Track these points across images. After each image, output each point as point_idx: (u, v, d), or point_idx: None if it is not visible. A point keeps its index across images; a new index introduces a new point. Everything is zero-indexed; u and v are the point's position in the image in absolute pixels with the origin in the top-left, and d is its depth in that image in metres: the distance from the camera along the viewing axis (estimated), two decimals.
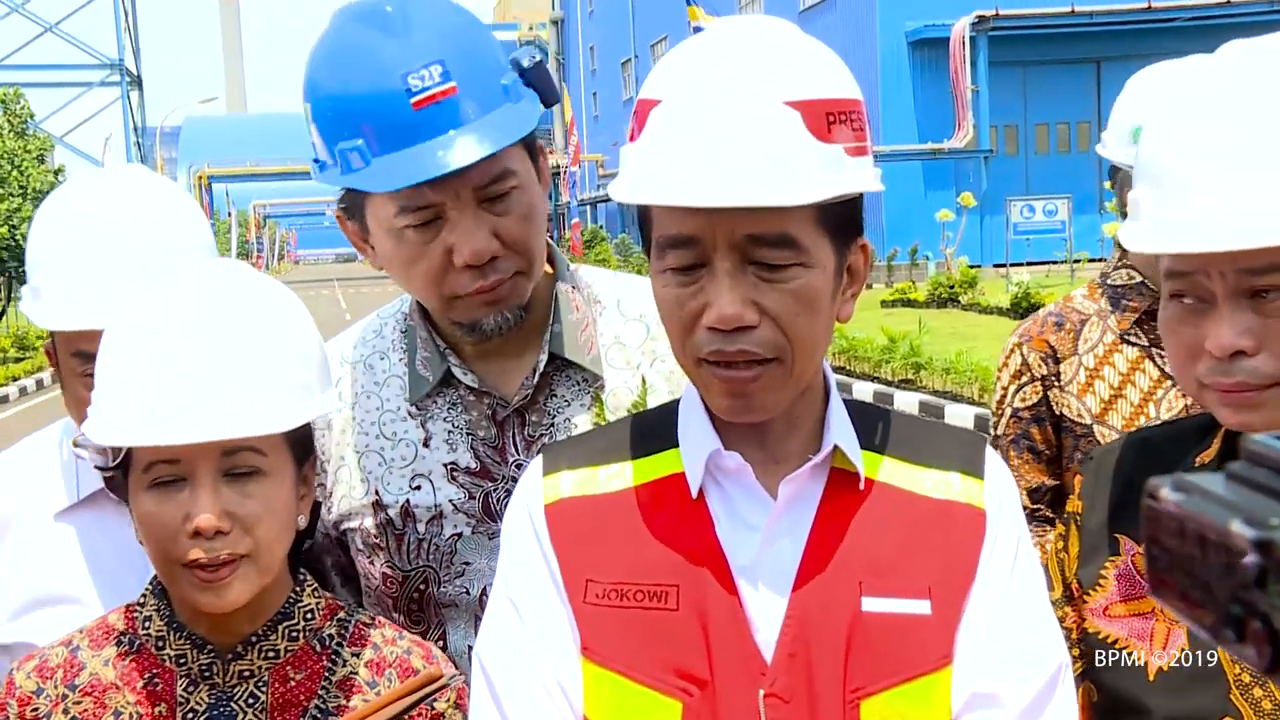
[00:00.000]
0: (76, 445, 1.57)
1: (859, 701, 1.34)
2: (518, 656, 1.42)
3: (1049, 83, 33.77)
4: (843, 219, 1.35)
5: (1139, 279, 2.60)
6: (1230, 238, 1.32)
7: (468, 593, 1.88)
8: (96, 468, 1.58)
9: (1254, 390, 1.38)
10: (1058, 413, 2.60)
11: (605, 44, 62.63)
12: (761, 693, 1.34)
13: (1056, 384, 2.60)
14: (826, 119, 1.29)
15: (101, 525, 1.95)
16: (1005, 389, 2.67)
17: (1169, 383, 2.54)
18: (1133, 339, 2.59)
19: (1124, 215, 2.56)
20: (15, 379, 21.60)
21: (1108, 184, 2.80)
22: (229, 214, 62.23)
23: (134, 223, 1.89)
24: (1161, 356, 2.54)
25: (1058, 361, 2.61)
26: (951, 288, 21.79)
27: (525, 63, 1.82)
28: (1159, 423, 2.52)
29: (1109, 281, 2.66)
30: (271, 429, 1.52)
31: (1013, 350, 2.67)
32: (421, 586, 1.90)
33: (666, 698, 1.34)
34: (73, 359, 1.87)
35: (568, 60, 66.70)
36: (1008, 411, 2.66)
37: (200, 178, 58.33)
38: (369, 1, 1.74)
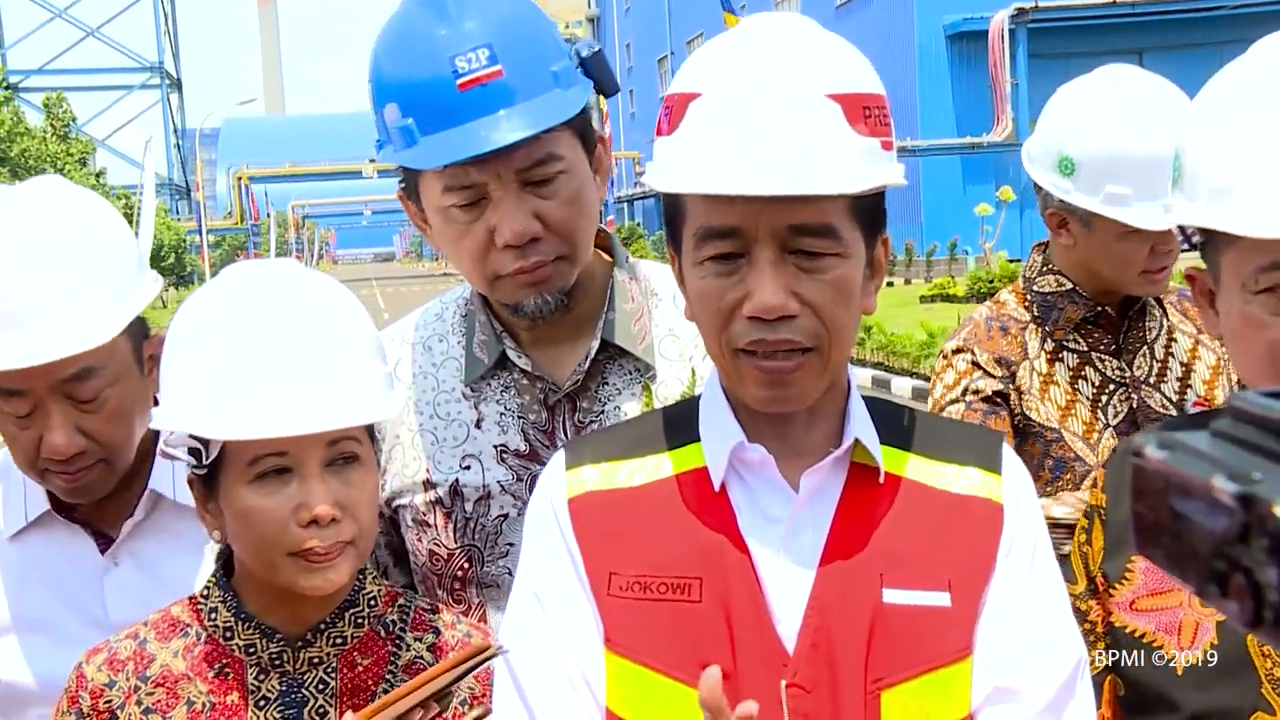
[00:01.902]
0: (166, 446, 1.59)
1: (880, 692, 1.34)
2: (541, 648, 1.43)
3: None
4: (872, 212, 1.38)
5: (1069, 285, 2.53)
6: None
7: (510, 573, 1.90)
8: (190, 466, 1.59)
9: None
10: (1021, 415, 2.50)
11: (641, 41, 62.68)
12: (783, 683, 1.34)
13: (1014, 386, 2.50)
14: (864, 112, 1.32)
15: (55, 546, 1.93)
16: (952, 386, 2.54)
17: (1112, 386, 2.50)
18: (1071, 345, 2.52)
19: (1058, 227, 2.53)
20: None
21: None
22: (268, 214, 62.70)
23: (36, 251, 1.75)
24: (1102, 360, 2.50)
25: (1009, 365, 2.51)
26: (991, 282, 21.64)
27: (584, 52, 1.86)
28: (1186, 414, 2.49)
29: (1035, 289, 2.58)
30: (374, 417, 1.58)
31: (957, 351, 2.56)
32: (465, 565, 1.94)
33: (689, 689, 1.34)
34: None
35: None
36: (958, 396, 2.51)
37: (239, 178, 58.84)
38: None
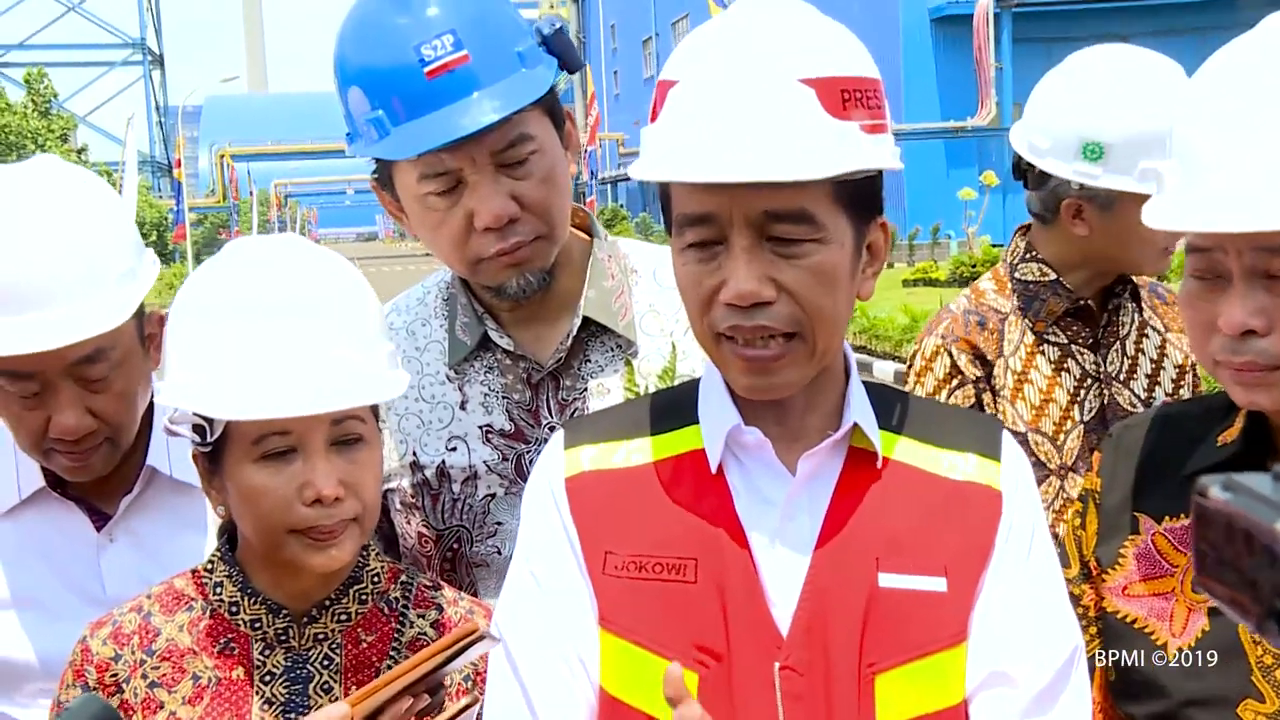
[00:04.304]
0: (171, 423, 1.59)
1: (874, 676, 1.35)
2: (536, 626, 1.44)
3: None
4: (861, 196, 1.36)
5: (1052, 275, 2.49)
6: (1248, 219, 1.31)
7: (499, 553, 1.93)
8: (194, 443, 1.58)
9: (1262, 370, 1.38)
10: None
11: (626, 22, 62.53)
12: (777, 665, 1.35)
13: (989, 387, 2.47)
14: (841, 96, 1.30)
15: (50, 523, 1.94)
16: (929, 395, 2.47)
17: (1089, 380, 2.48)
18: (1051, 337, 2.49)
19: (1041, 220, 2.50)
20: None
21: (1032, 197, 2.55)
22: (250, 193, 62.41)
23: (49, 233, 1.74)
24: (1080, 353, 2.48)
25: (987, 364, 2.47)
26: (974, 267, 21.70)
27: (545, 30, 1.86)
28: (1184, 399, 2.49)
29: (1018, 276, 2.54)
30: (379, 397, 1.58)
31: (936, 352, 2.49)
32: (455, 546, 1.95)
33: (684, 669, 1.35)
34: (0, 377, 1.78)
35: (588, 38, 66.54)
36: None
37: (222, 156, 58.56)
38: None
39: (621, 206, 52.16)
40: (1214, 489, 0.65)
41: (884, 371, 13.64)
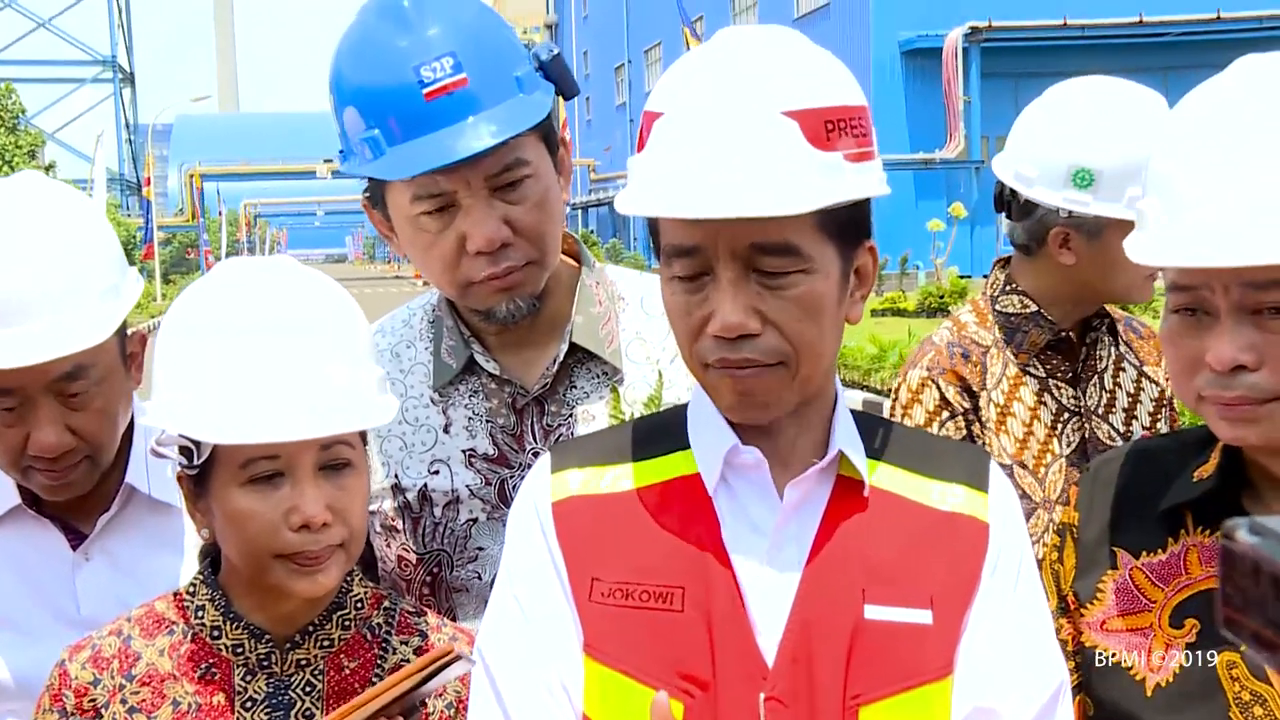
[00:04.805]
0: (158, 444, 1.58)
1: (858, 708, 1.35)
2: (520, 652, 1.43)
3: (1040, 94, 33.83)
4: (847, 223, 1.37)
5: (1034, 308, 2.49)
6: (1235, 254, 1.32)
7: (479, 578, 1.92)
8: (181, 465, 1.57)
9: (1253, 405, 1.39)
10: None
11: (598, 49, 62.66)
12: (762, 696, 1.34)
13: (977, 419, 2.47)
14: (825, 127, 1.30)
15: (25, 540, 1.92)
16: (920, 428, 2.43)
17: (1067, 414, 2.49)
18: (1032, 370, 2.50)
19: (1025, 251, 2.52)
20: None
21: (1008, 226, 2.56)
22: (219, 213, 62.10)
23: (33, 247, 1.72)
24: (1059, 388, 2.49)
25: (973, 395, 2.47)
26: (941, 298, 21.82)
27: (543, 55, 1.87)
28: (1161, 434, 2.50)
29: (999, 308, 2.54)
30: (368, 423, 1.56)
31: (923, 385, 2.48)
32: (435, 570, 1.94)
33: (669, 699, 1.34)
34: None
35: None
36: None
37: (191, 176, 58.19)
38: None
39: (592, 232, 52.16)
40: (1240, 531, 0.67)
41: (852, 400, 13.40)
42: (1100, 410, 2.52)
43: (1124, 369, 2.57)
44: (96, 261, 1.79)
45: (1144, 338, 2.63)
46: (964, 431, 2.46)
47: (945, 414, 2.46)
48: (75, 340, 1.72)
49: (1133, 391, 2.56)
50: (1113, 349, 2.57)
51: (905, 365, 2.59)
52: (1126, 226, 2.32)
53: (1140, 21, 32.58)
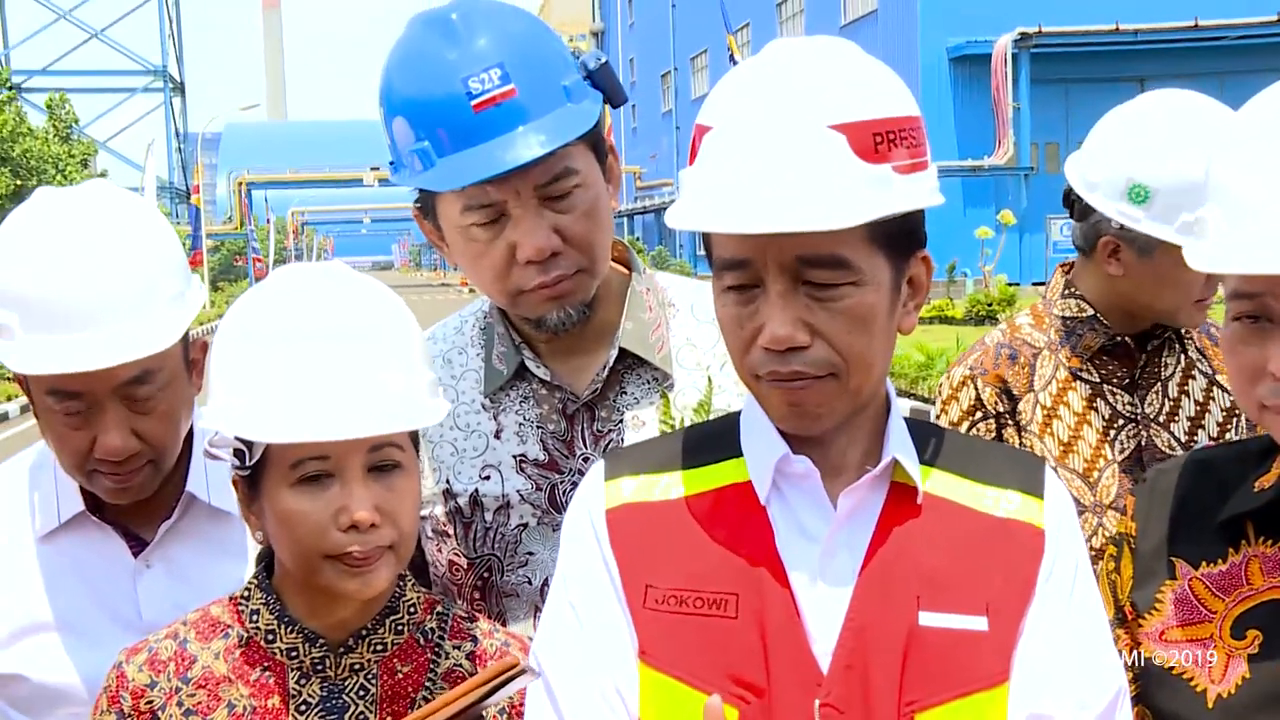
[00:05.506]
0: (211, 446, 1.59)
1: (913, 715, 1.34)
2: (575, 659, 1.44)
3: (1091, 101, 33.52)
4: (898, 234, 1.36)
5: (1090, 312, 2.50)
6: None
7: (530, 582, 1.93)
8: (234, 467, 1.59)
9: None
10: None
11: (645, 56, 62.81)
12: (817, 703, 1.34)
13: (1012, 422, 2.47)
14: (874, 140, 1.30)
15: (88, 547, 1.94)
16: (953, 425, 2.50)
17: (1121, 420, 2.47)
18: (1085, 375, 2.49)
19: (1081, 252, 2.50)
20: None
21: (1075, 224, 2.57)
22: (267, 220, 62.69)
23: (105, 253, 1.76)
24: (1114, 393, 2.47)
25: (1013, 399, 2.48)
26: (990, 305, 21.72)
27: (591, 64, 1.87)
28: (1219, 444, 2.47)
29: (1056, 311, 2.55)
30: (417, 423, 1.57)
31: (963, 383, 2.52)
32: (485, 575, 1.95)
33: (724, 704, 1.34)
34: (47, 396, 1.79)
35: None
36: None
37: (240, 184, 58.87)
38: (436, 10, 1.81)
39: (637, 239, 52.29)
40: None
41: (900, 408, 13.60)
42: (1161, 418, 2.49)
43: (1193, 377, 2.54)
44: (164, 269, 1.82)
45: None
46: (993, 434, 2.47)
47: (978, 414, 2.48)
48: (143, 345, 1.75)
49: (1201, 400, 2.52)
50: (1181, 356, 2.54)
51: (954, 361, 2.61)
52: (1178, 251, 2.29)
53: (1195, 25, 32.26)
